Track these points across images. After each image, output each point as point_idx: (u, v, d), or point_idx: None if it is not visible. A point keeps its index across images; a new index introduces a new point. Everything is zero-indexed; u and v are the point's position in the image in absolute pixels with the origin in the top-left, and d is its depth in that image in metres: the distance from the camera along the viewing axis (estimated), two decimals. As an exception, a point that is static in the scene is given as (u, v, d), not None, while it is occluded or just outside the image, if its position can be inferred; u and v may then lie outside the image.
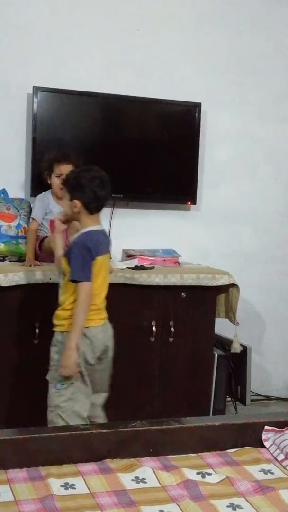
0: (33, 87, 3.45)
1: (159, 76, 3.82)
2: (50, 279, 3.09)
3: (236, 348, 3.51)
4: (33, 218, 3.30)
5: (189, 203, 3.87)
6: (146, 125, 3.77)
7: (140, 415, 2.95)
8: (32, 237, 3.30)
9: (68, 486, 1.84)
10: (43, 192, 3.34)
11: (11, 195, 3.49)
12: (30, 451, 1.94)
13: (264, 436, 2.20)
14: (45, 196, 3.32)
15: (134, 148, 3.72)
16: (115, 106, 3.67)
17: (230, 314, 3.50)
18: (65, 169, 3.19)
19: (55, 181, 3.26)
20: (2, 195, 3.44)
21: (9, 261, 3.32)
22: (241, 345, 3.60)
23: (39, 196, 3.35)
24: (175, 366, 3.42)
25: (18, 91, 3.53)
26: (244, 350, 3.63)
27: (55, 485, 1.83)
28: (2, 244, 3.32)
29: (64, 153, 3.29)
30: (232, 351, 3.53)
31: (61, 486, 1.84)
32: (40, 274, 3.09)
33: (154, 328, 3.33)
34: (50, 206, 3.30)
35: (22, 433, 1.98)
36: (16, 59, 3.54)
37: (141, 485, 1.87)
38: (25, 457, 1.93)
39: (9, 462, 1.90)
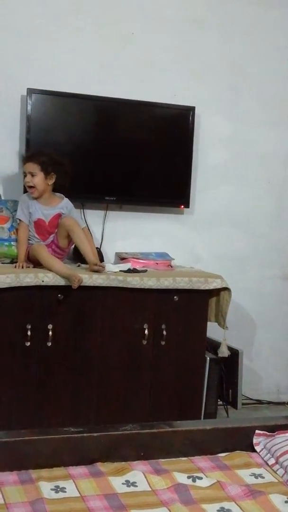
0: (27, 89, 3.44)
1: (153, 80, 3.83)
2: (43, 281, 3.09)
3: (223, 352, 3.51)
4: (19, 219, 3.30)
5: (182, 206, 3.87)
6: (140, 128, 3.77)
7: (131, 419, 2.96)
8: (23, 237, 3.29)
9: (58, 489, 1.84)
10: (25, 193, 3.35)
11: (4, 196, 3.49)
12: (21, 454, 1.94)
13: (255, 440, 2.21)
14: (26, 197, 3.33)
15: (127, 151, 3.72)
16: (109, 109, 3.67)
17: (220, 318, 3.50)
18: (27, 168, 3.26)
19: (25, 180, 3.29)
20: (-5, 197, 3.44)
21: (2, 263, 3.31)
22: (233, 349, 3.60)
23: (21, 196, 3.35)
24: (167, 369, 3.42)
25: (12, 92, 3.52)
26: (236, 354, 3.63)
27: (46, 488, 1.83)
28: (-5, 246, 3.31)
29: (30, 153, 3.33)
30: (220, 355, 3.53)
31: (52, 489, 1.83)
32: (32, 276, 3.09)
33: (146, 331, 3.33)
34: (32, 207, 3.30)
35: (13, 436, 1.98)
36: (10, 60, 3.54)
37: (132, 488, 1.87)
38: (16, 460, 1.93)
39: (0, 465, 1.90)
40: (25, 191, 3.37)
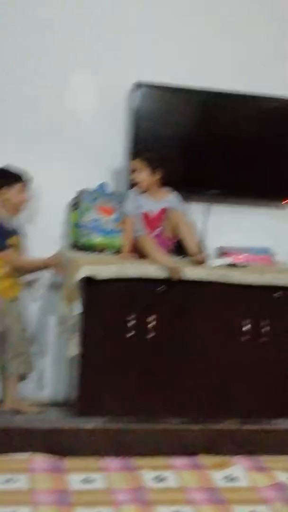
0: (135, 82, 3.49)
1: (259, 72, 3.76)
2: (146, 273, 3.13)
3: None
4: (126, 212, 3.38)
5: (286, 201, 3.80)
6: (245, 121, 3.72)
7: (230, 415, 2.95)
8: (129, 230, 3.36)
9: (159, 479, 1.88)
10: (133, 187, 3.42)
11: (110, 189, 3.56)
12: (124, 441, 1.99)
13: None
14: (135, 190, 3.40)
15: (232, 145, 3.69)
16: (215, 102, 3.65)
17: None
18: (133, 164, 3.34)
19: (132, 176, 3.39)
20: (102, 189, 3.51)
21: (106, 254, 3.39)
22: None
23: (130, 190, 3.43)
24: (266, 366, 3.37)
25: (119, 86, 3.57)
26: None
27: (148, 477, 1.87)
28: (100, 237, 3.38)
29: (136, 149, 3.41)
30: None
31: (153, 478, 1.87)
32: (135, 267, 3.13)
33: (246, 327, 3.30)
34: (140, 201, 3.37)
35: (117, 424, 2.04)
36: (118, 54, 3.58)
37: (232, 484, 1.88)
38: (120, 447, 1.98)
39: (105, 451, 1.95)
40: (132, 185, 3.43)
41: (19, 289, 3.40)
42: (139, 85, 3.49)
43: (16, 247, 3.35)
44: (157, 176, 3.34)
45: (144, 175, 3.32)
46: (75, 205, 3.45)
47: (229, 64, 3.72)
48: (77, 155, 3.55)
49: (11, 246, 3.30)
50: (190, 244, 3.28)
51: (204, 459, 1.98)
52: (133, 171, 3.35)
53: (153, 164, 3.31)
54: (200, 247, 3.40)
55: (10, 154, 3.43)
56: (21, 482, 1.80)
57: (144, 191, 3.37)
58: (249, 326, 3.30)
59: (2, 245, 3.27)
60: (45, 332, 3.64)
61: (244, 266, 3.37)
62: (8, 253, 3.27)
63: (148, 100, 3.53)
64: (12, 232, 3.35)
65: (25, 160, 3.39)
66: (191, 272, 3.16)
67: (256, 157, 3.73)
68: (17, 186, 3.32)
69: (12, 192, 3.31)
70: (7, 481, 1.80)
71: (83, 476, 1.85)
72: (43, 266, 3.37)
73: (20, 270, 3.36)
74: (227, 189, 3.68)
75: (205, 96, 3.61)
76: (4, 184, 3.31)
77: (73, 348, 3.13)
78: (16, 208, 3.36)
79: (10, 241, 3.31)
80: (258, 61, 3.77)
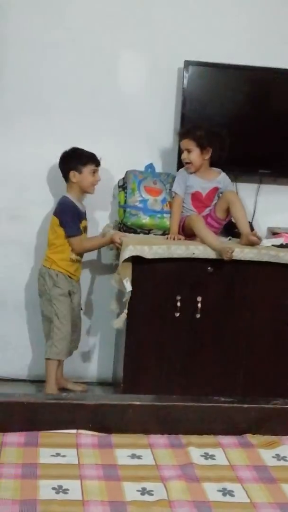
0: (185, 61, 3.44)
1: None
2: (194, 253, 3.11)
3: None
4: (175, 193, 3.36)
5: None
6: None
7: (277, 395, 2.91)
8: (177, 211, 3.34)
9: (208, 456, 1.86)
10: (183, 167, 3.38)
11: (158, 169, 3.54)
12: (171, 418, 1.97)
13: None
14: (184, 171, 3.37)
15: (282, 123, 3.62)
16: (265, 79, 3.58)
17: None
18: (183, 144, 3.30)
19: (182, 156, 3.34)
20: (150, 169, 3.49)
21: (154, 234, 3.38)
22: None
23: (179, 170, 3.40)
24: None
25: (168, 65, 3.54)
26: None
27: (195, 454, 1.85)
28: (147, 218, 3.37)
29: (185, 129, 3.37)
30: None
31: (201, 455, 1.85)
32: (183, 248, 3.12)
33: (297, 309, 3.25)
34: (189, 181, 3.33)
35: (164, 401, 2.02)
36: (167, 32, 3.55)
37: (282, 463, 1.84)
38: (166, 424, 1.97)
39: (151, 428, 1.94)
40: (178, 165, 3.41)
41: (81, 269, 3.44)
42: (188, 64, 3.45)
43: (85, 230, 3.37)
44: (207, 155, 3.31)
45: (194, 155, 3.30)
46: (123, 185, 3.44)
47: (278, 41, 3.64)
48: (126, 135, 3.55)
49: (82, 230, 3.32)
50: (244, 224, 3.25)
51: (253, 438, 1.95)
52: (183, 151, 3.33)
53: (203, 143, 3.28)
54: (253, 228, 3.37)
55: (61, 134, 3.45)
56: (68, 456, 1.80)
57: (194, 171, 3.34)
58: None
59: (78, 230, 3.28)
60: (92, 310, 3.67)
61: (295, 247, 3.31)
62: (80, 239, 3.28)
63: (197, 79, 3.50)
64: (83, 216, 3.36)
65: (75, 139, 3.40)
66: (240, 253, 3.13)
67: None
68: (89, 167, 3.31)
69: (84, 174, 3.30)
70: (55, 455, 1.81)
71: (130, 451, 1.84)
72: (102, 245, 3.39)
73: (84, 252, 3.39)
74: (277, 169, 3.62)
75: (254, 73, 3.56)
76: (75, 165, 3.30)
77: (120, 321, 3.14)
78: (86, 190, 3.36)
79: (82, 225, 3.33)
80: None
